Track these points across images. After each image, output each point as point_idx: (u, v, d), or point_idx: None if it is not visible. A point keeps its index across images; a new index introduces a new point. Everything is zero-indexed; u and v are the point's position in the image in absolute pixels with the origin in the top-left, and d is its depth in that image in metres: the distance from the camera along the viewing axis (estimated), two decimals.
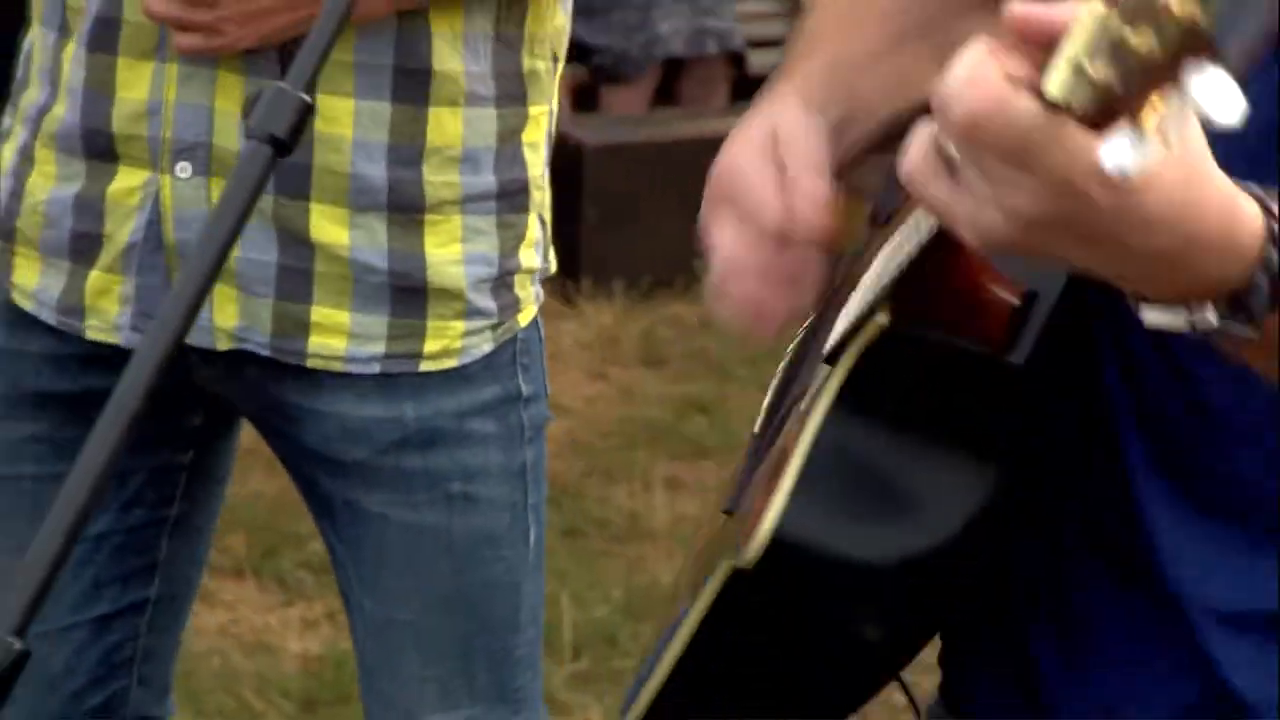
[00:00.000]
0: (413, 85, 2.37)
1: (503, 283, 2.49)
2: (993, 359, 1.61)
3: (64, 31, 2.44)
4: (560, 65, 2.61)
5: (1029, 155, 1.19)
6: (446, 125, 2.38)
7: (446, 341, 2.45)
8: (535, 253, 2.57)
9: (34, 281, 2.47)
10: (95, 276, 2.40)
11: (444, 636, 2.54)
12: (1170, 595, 1.72)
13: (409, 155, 2.38)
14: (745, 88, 7.92)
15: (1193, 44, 1.12)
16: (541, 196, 2.55)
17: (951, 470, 1.70)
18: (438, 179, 2.40)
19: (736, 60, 8.49)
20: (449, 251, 2.42)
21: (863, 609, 1.79)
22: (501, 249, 2.48)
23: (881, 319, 1.61)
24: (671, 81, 8.79)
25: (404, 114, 2.38)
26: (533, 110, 2.50)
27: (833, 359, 1.69)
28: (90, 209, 2.42)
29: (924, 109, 1.70)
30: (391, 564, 2.50)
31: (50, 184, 2.43)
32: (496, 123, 2.43)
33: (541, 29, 2.49)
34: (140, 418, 1.38)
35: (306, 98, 1.38)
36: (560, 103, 2.48)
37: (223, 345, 2.41)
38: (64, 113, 2.43)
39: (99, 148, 2.40)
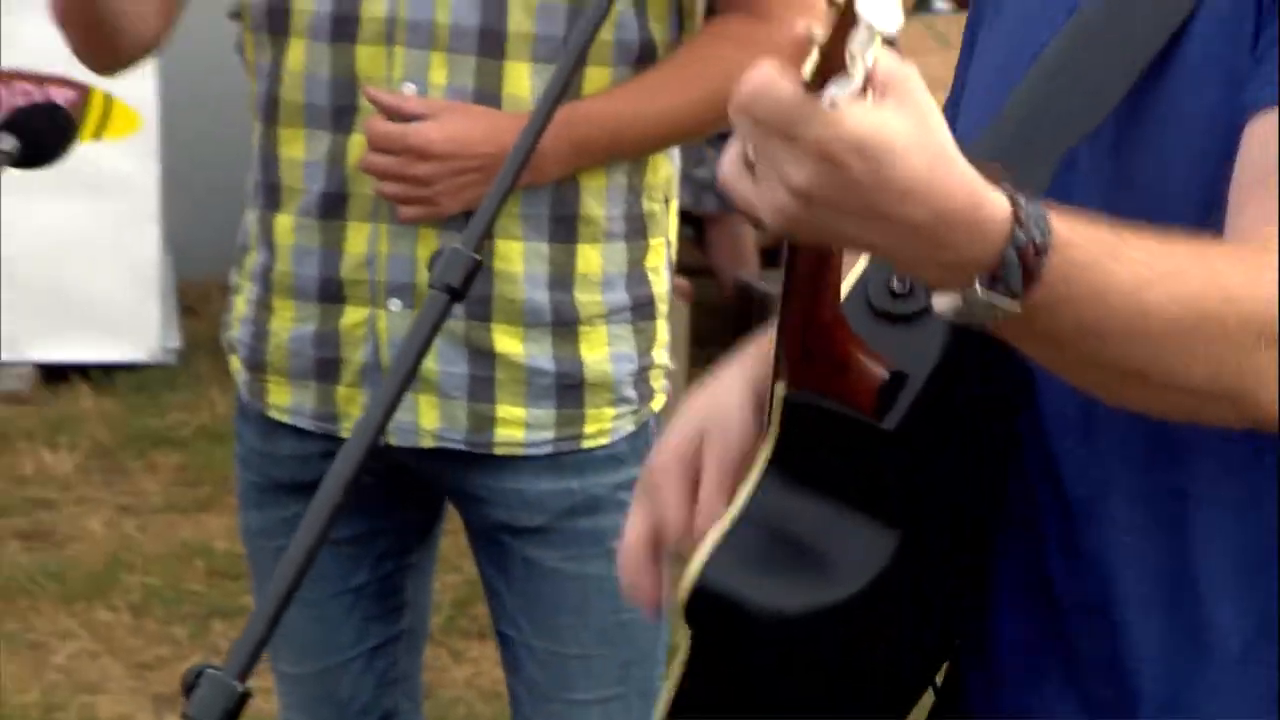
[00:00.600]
0: (564, 228, 2.55)
1: (641, 376, 2.64)
2: (871, 425, 1.67)
3: (273, 207, 2.62)
4: (672, 205, 2.74)
5: (793, 128, 1.28)
6: (590, 258, 2.56)
7: (600, 425, 2.60)
8: (664, 352, 2.72)
9: (287, 400, 2.64)
10: (342, 390, 2.59)
11: (606, 666, 2.67)
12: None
13: (563, 282, 2.55)
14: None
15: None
16: (665, 308, 2.70)
17: (855, 531, 1.74)
18: (586, 299, 2.57)
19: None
20: (599, 354, 2.59)
21: (786, 659, 1.80)
22: (638, 350, 2.63)
23: (779, 389, 1.69)
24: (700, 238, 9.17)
25: (558, 250, 2.55)
26: (652, 242, 2.65)
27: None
28: (328, 340, 2.59)
29: None
30: (564, 608, 2.64)
31: (290, 325, 2.61)
32: (626, 254, 2.59)
33: (655, 178, 2.65)
34: (344, 499, 1.53)
35: (476, 256, 1.56)
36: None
37: (427, 444, 2.57)
38: (294, 268, 2.62)
39: (331, 293, 2.58)
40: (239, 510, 2.88)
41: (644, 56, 2.55)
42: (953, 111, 2.03)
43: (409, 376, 1.63)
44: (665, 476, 1.87)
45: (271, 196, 2.61)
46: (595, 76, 2.53)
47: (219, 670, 1.45)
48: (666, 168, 2.67)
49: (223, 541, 5.38)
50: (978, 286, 1.36)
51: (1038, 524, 1.84)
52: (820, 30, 1.23)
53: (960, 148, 1.54)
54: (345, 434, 2.58)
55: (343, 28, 2.51)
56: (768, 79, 1.28)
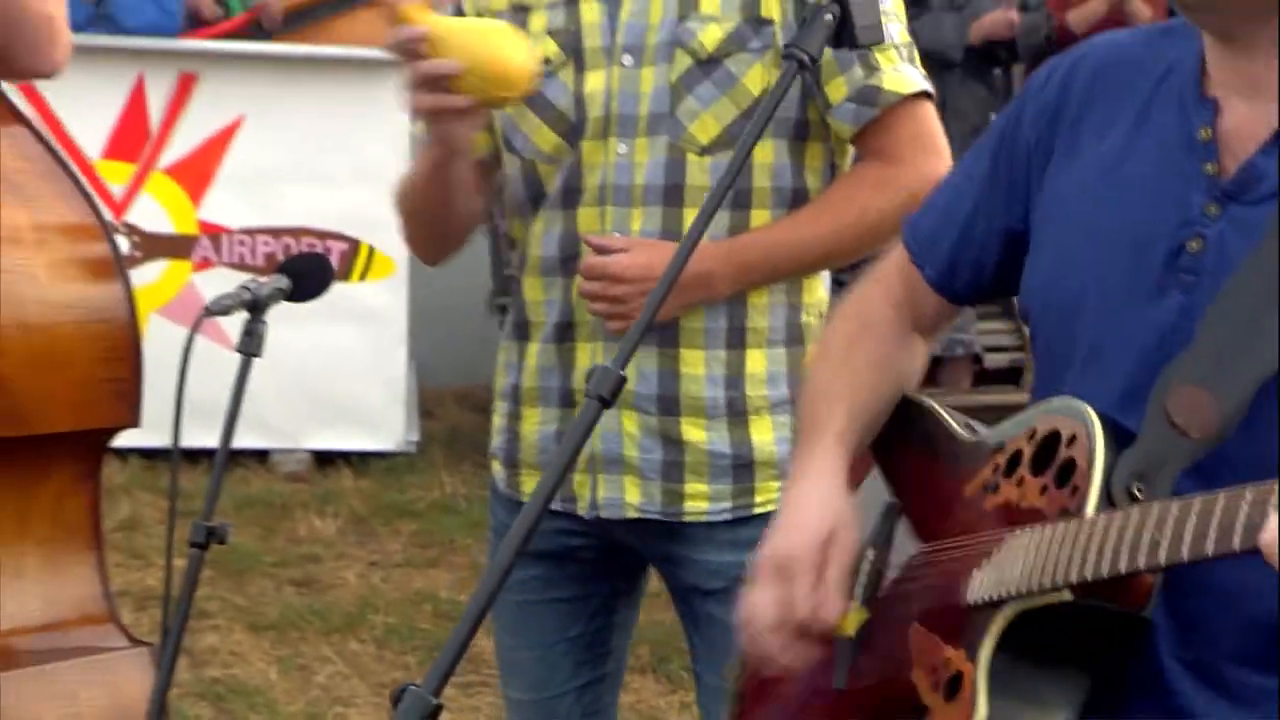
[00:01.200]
0: (736, 337, 2.53)
1: None
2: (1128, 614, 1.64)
3: (523, 339, 2.65)
4: (825, 318, 2.64)
5: None
6: (757, 361, 2.54)
7: (768, 495, 2.55)
8: None
9: (534, 485, 2.61)
10: (577, 477, 2.57)
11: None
12: None
13: (736, 381, 2.53)
14: (983, 378, 8.27)
15: None
16: None
17: (1069, 682, 1.72)
18: (754, 394, 2.54)
19: (976, 359, 8.66)
20: (766, 438, 2.56)
21: None
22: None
23: (1065, 595, 1.63)
24: (932, 373, 9.09)
25: (732, 356, 2.53)
26: (808, 348, 2.60)
27: (983, 608, 1.71)
28: (561, 437, 2.57)
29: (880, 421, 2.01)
30: (715, 643, 2.54)
31: (537, 427, 2.62)
32: (786, 357, 2.56)
33: (811, 297, 2.61)
34: (521, 550, 1.57)
35: (623, 374, 1.58)
36: None
37: (631, 515, 2.56)
38: (539, 383, 2.63)
39: (567, 400, 2.59)
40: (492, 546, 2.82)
41: (798, 200, 2.53)
42: (988, 219, 1.94)
43: (570, 463, 1.65)
44: (800, 565, 1.85)
45: (521, 331, 2.63)
46: (758, 217, 2.53)
47: (418, 687, 1.51)
48: (820, 289, 2.65)
49: (446, 591, 5.43)
50: None
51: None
52: None
53: (1109, 334, 1.72)
54: (581, 512, 2.59)
55: (570, 198, 2.54)
56: None
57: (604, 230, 2.51)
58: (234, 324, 2.33)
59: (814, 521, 1.88)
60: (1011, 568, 1.68)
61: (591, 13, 2.51)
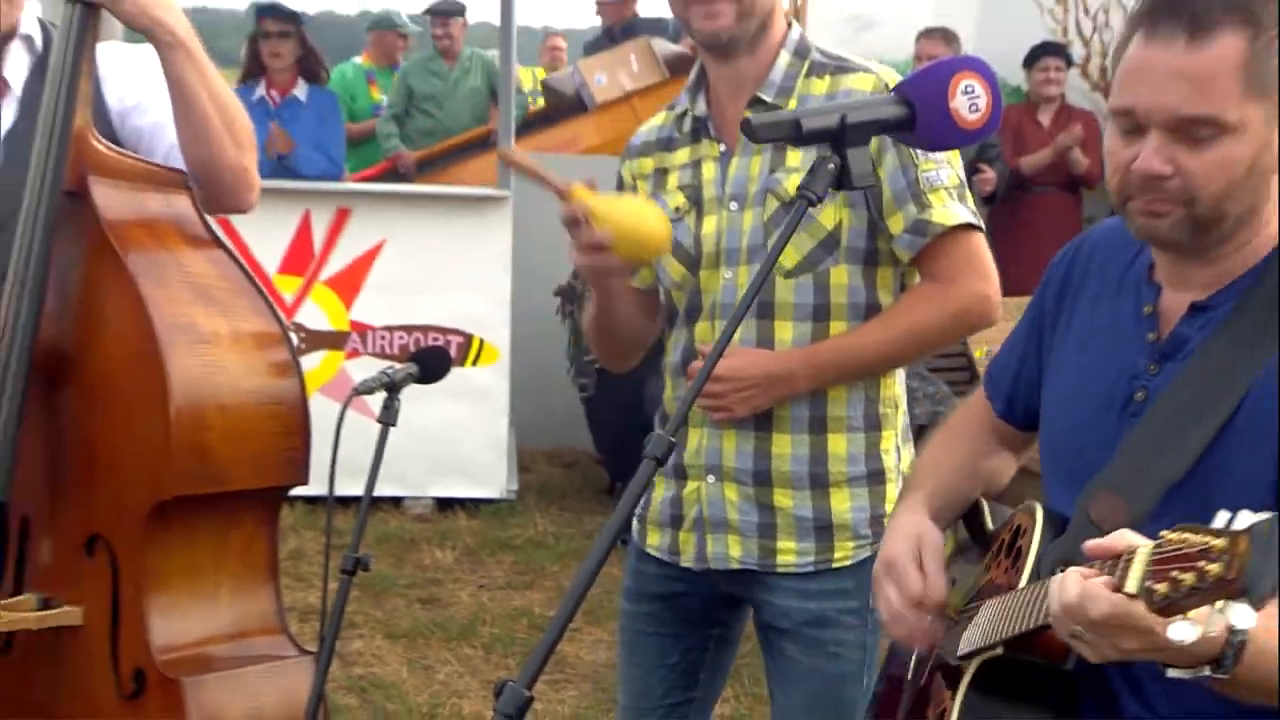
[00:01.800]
0: (818, 424, 2.47)
1: (874, 521, 2.51)
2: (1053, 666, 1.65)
3: (661, 424, 2.64)
4: (900, 409, 2.64)
5: (1135, 630, 1.31)
6: (838, 443, 2.48)
7: (845, 552, 2.50)
8: (892, 505, 2.58)
9: (657, 540, 2.61)
10: (682, 535, 2.55)
11: (820, 717, 2.56)
12: None
13: (819, 459, 2.47)
14: None
15: (1228, 589, 1.21)
16: (895, 476, 2.57)
17: (1035, 714, 1.71)
18: (835, 470, 2.48)
19: None
20: (845, 506, 2.49)
21: None
22: (871, 504, 2.52)
23: (997, 649, 1.67)
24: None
25: (815, 439, 2.47)
26: (884, 433, 2.54)
27: (967, 658, 1.75)
28: (677, 502, 2.56)
29: (966, 504, 2.05)
30: (796, 681, 2.55)
31: (661, 493, 2.58)
32: (864, 441, 2.50)
33: (888, 392, 2.55)
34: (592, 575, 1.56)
35: (673, 439, 1.60)
36: None
37: (734, 566, 2.51)
38: (669, 460, 2.61)
39: (680, 473, 2.55)
40: (622, 600, 2.78)
41: (870, 312, 2.48)
42: (1030, 362, 1.99)
43: (630, 508, 1.63)
44: (900, 560, 1.89)
45: (662, 419, 2.65)
46: (835, 327, 2.48)
47: (515, 683, 1.52)
48: (895, 385, 2.58)
49: (539, 608, 5.40)
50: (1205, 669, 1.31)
51: None
52: (1184, 581, 1.24)
53: (1082, 465, 1.75)
54: (686, 564, 2.57)
55: (691, 315, 2.54)
56: (1113, 599, 1.31)
57: (713, 340, 2.45)
58: (376, 400, 2.35)
59: (905, 533, 1.93)
60: (978, 628, 1.71)
61: (709, 171, 2.51)
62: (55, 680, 2.51)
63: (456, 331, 6.32)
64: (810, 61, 2.49)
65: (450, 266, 6.38)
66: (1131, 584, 1.27)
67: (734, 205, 2.48)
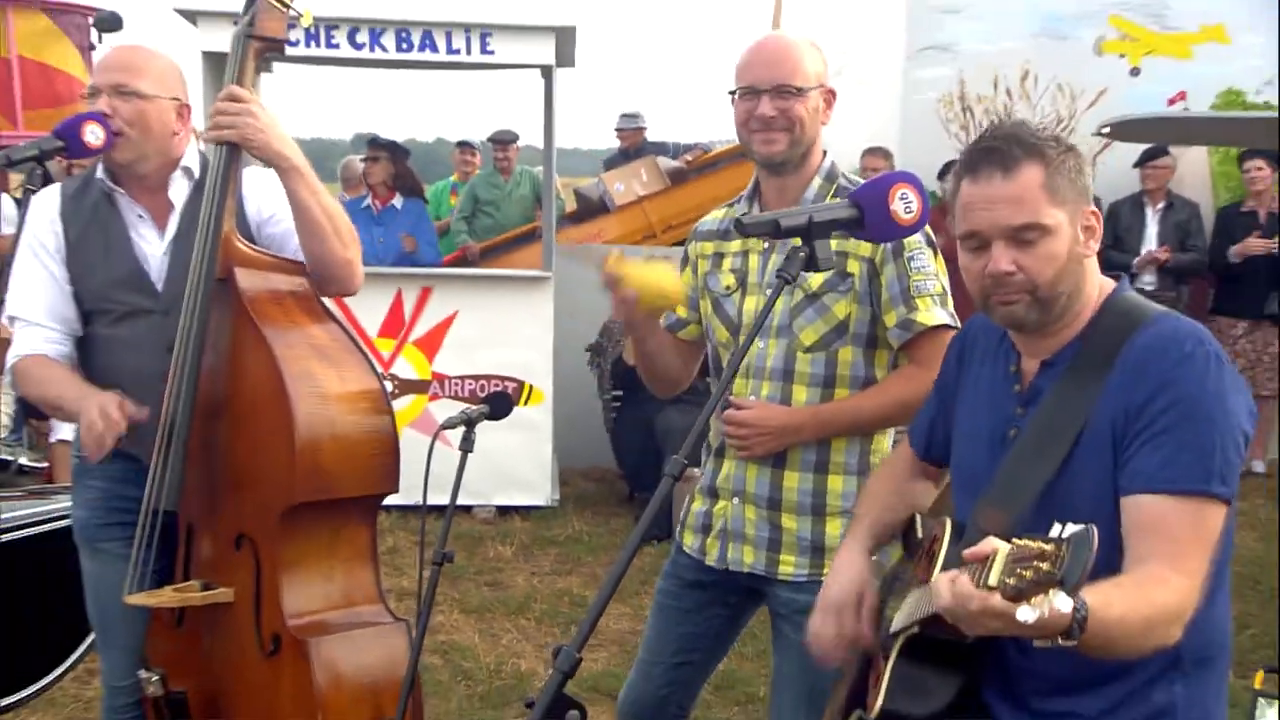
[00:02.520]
0: (822, 466, 2.43)
1: None
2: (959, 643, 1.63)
3: (706, 453, 2.61)
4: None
5: (992, 616, 1.32)
6: (836, 482, 2.43)
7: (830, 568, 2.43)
8: None
9: (690, 541, 2.59)
10: (709, 540, 2.53)
11: (799, 685, 2.49)
12: None
13: (820, 494, 2.43)
14: None
15: (1053, 581, 1.26)
16: None
17: (948, 678, 1.73)
18: (832, 503, 2.43)
19: None
20: (836, 532, 2.42)
21: None
22: None
23: (915, 628, 1.68)
24: None
25: (818, 479, 2.43)
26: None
27: (895, 636, 1.77)
28: (709, 515, 2.55)
29: (900, 524, 2.04)
30: (786, 653, 2.50)
31: (698, 505, 2.58)
32: (857, 482, 2.43)
33: (879, 445, 2.51)
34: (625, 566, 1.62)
35: (685, 461, 1.61)
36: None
37: (746, 569, 2.49)
38: (705, 482, 2.58)
39: (713, 492, 2.54)
40: (660, 580, 2.71)
41: (867, 383, 2.45)
42: (943, 415, 2.00)
43: (658, 504, 1.65)
44: (847, 604, 1.91)
45: (705, 449, 2.61)
46: (840, 393, 2.44)
47: (568, 646, 1.56)
48: (884, 440, 2.53)
49: (577, 590, 5.36)
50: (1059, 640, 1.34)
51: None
52: (1025, 574, 1.27)
53: (977, 489, 1.76)
54: (711, 563, 2.55)
55: (730, 371, 2.45)
56: (971, 592, 1.33)
57: (746, 393, 2.47)
58: (455, 433, 2.38)
59: (851, 578, 1.93)
60: (904, 613, 1.74)
61: (754, 261, 2.49)
62: (215, 643, 2.56)
63: (512, 379, 6.33)
64: (837, 185, 2.45)
65: (507, 330, 6.36)
66: (992, 579, 1.30)
67: (769, 291, 2.42)
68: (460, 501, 2.38)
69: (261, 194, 2.65)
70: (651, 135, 9.81)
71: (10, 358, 2.63)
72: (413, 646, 2.42)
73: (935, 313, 2.37)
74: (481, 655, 4.57)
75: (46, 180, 2.61)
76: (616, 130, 9.61)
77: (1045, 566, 1.25)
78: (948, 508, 1.98)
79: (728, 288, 2.51)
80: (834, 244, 2.34)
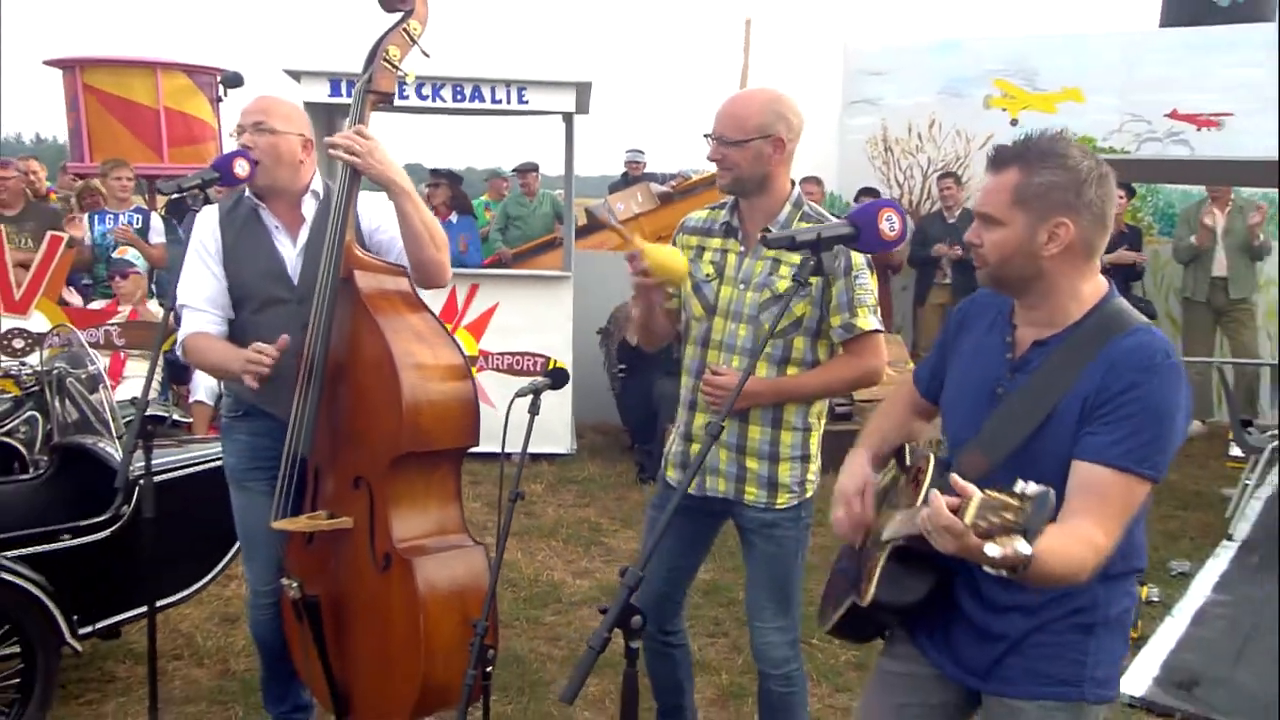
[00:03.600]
0: (776, 423, 2.40)
1: (802, 483, 2.47)
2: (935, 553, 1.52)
3: (681, 408, 2.57)
4: (822, 421, 2.54)
5: (963, 542, 1.30)
6: (786, 436, 2.42)
7: (784, 500, 2.45)
8: (814, 474, 2.51)
9: (674, 475, 2.56)
10: (686, 473, 2.42)
11: (769, 584, 2.50)
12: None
13: (775, 443, 2.42)
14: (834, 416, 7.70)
15: (1017, 529, 1.24)
16: (817, 458, 2.52)
17: (924, 579, 1.70)
18: (784, 452, 2.42)
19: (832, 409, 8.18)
20: (786, 474, 2.44)
21: (892, 618, 1.80)
22: (802, 473, 2.47)
23: (902, 541, 1.63)
24: None
25: (774, 433, 2.40)
26: (813, 434, 2.50)
27: (886, 543, 1.70)
28: (686, 454, 2.52)
29: (897, 448, 1.90)
30: (755, 561, 2.50)
31: (676, 448, 2.55)
32: (801, 436, 2.47)
33: (817, 409, 2.50)
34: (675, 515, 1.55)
35: (721, 422, 1.59)
36: None
37: (720, 495, 2.49)
38: (682, 429, 2.55)
39: (690, 438, 2.52)
40: (648, 508, 2.67)
41: (814, 364, 2.44)
42: (943, 364, 1.88)
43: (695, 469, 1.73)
44: (855, 494, 1.82)
45: (681, 403, 2.57)
46: (791, 370, 2.43)
47: (633, 567, 1.54)
48: (820, 407, 2.52)
49: (594, 518, 5.31)
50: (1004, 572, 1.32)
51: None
52: (994, 520, 1.24)
53: (964, 431, 1.70)
54: (691, 490, 2.48)
55: (704, 342, 2.48)
56: (951, 521, 1.30)
57: (720, 362, 2.45)
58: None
59: (856, 474, 1.85)
60: (893, 526, 1.68)
61: (732, 260, 2.47)
62: (339, 561, 2.54)
63: (542, 355, 6.30)
64: (802, 212, 2.42)
65: (537, 317, 6.30)
66: (968, 518, 1.27)
67: (743, 286, 2.43)
68: (500, 450, 2.33)
69: (371, 211, 2.64)
70: (649, 166, 9.86)
71: (181, 335, 2.66)
72: (492, 566, 2.41)
73: (870, 320, 2.38)
74: (523, 568, 4.55)
75: (207, 201, 2.58)
76: (626, 161, 9.61)
77: (1011, 517, 1.23)
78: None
79: (707, 275, 2.47)
80: (799, 259, 2.28)
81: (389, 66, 2.48)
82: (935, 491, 1.36)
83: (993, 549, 1.24)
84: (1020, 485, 1.25)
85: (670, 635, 2.68)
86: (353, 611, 2.51)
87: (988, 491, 1.28)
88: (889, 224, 1.64)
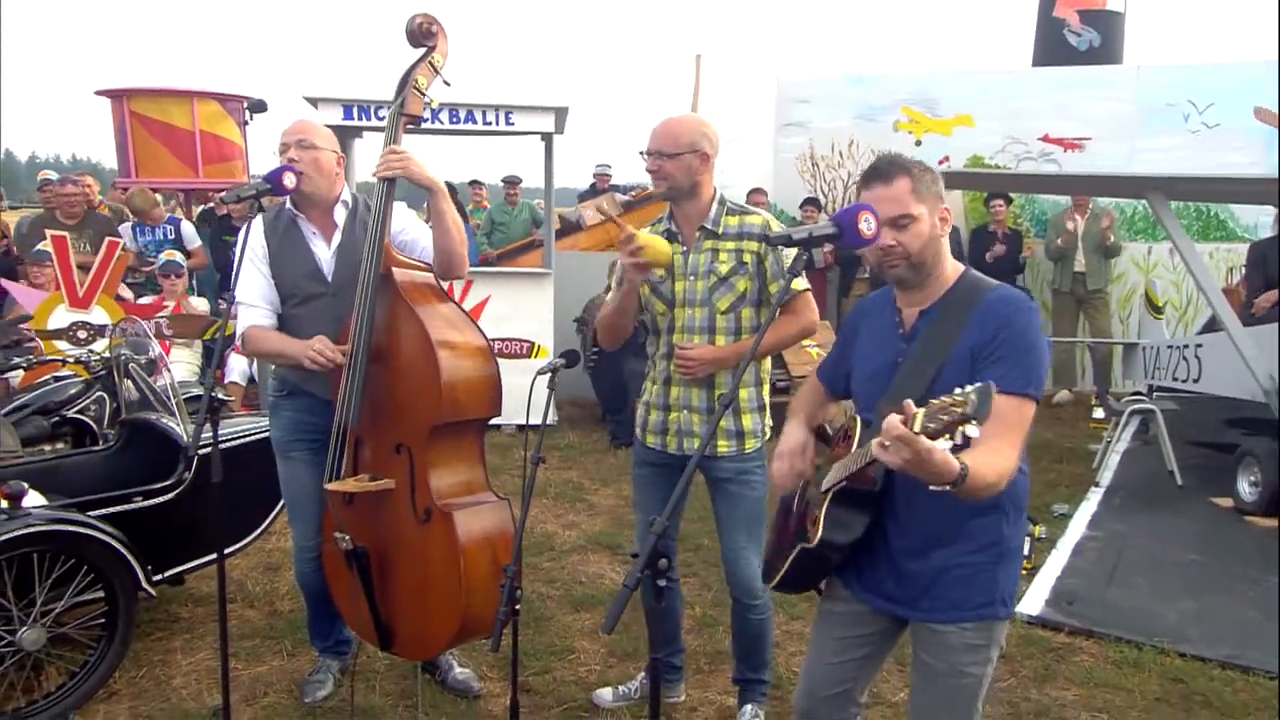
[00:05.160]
0: (737, 382, 2.42)
1: (759, 430, 2.46)
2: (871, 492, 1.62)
3: (653, 381, 2.52)
4: (768, 377, 2.50)
5: (915, 450, 1.28)
6: (745, 392, 2.45)
7: (752, 445, 2.43)
8: (768, 423, 2.49)
9: (652, 441, 2.51)
10: (669, 438, 2.48)
11: (745, 522, 2.46)
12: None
13: (736, 399, 2.43)
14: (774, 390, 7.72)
15: (966, 418, 1.23)
16: (766, 408, 2.50)
17: (862, 517, 1.69)
18: (744, 405, 2.42)
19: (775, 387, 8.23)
20: (749, 423, 2.39)
21: (836, 555, 1.72)
22: (762, 423, 2.46)
23: (844, 483, 1.63)
24: None
25: (736, 389, 2.38)
26: (763, 389, 2.48)
27: (827, 491, 1.69)
28: (664, 422, 2.49)
29: (816, 432, 1.87)
30: (731, 504, 2.46)
31: (653, 418, 2.53)
32: (755, 392, 2.47)
33: (765, 367, 2.51)
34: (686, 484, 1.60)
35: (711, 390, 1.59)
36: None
37: (691, 451, 2.44)
38: (655, 400, 2.50)
39: (667, 408, 2.47)
40: (634, 469, 2.57)
41: (758, 329, 2.34)
42: (843, 362, 1.87)
43: (710, 437, 1.80)
44: (796, 450, 1.81)
45: (653, 377, 2.53)
46: (744, 337, 2.40)
47: (659, 517, 1.53)
48: (767, 364, 2.52)
49: (575, 478, 5.25)
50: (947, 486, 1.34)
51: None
52: (944, 418, 1.23)
53: (870, 396, 1.68)
54: (670, 450, 2.47)
55: (670, 328, 2.45)
56: (901, 429, 1.27)
57: (686, 340, 2.44)
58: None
59: (795, 437, 1.84)
60: (832, 474, 1.68)
61: (678, 258, 2.44)
62: (381, 517, 2.51)
63: (528, 340, 6.25)
64: (726, 207, 2.41)
65: (522, 308, 6.22)
66: (917, 425, 1.27)
67: (692, 277, 2.42)
68: (496, 422, 2.27)
69: (397, 217, 2.60)
70: (615, 179, 9.80)
71: (240, 327, 2.61)
72: (516, 519, 2.39)
73: (800, 283, 2.38)
74: (564, 537, 4.40)
75: (260, 209, 2.53)
76: (594, 174, 9.52)
77: (958, 410, 1.22)
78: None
79: (661, 277, 2.45)
80: (733, 245, 2.29)
81: (418, 93, 2.45)
82: (891, 416, 1.32)
83: (943, 443, 1.25)
84: (957, 390, 1.27)
85: (670, 573, 2.66)
86: (396, 558, 2.48)
87: (930, 401, 1.29)
88: (866, 224, 1.65)
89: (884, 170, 1.65)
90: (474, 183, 9.82)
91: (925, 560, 1.68)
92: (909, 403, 1.31)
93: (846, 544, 1.69)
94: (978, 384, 1.26)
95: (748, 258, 2.39)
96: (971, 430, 1.23)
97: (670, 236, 2.46)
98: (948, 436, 1.24)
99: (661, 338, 2.50)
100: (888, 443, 1.32)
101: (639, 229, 2.47)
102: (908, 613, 1.72)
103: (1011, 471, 1.51)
